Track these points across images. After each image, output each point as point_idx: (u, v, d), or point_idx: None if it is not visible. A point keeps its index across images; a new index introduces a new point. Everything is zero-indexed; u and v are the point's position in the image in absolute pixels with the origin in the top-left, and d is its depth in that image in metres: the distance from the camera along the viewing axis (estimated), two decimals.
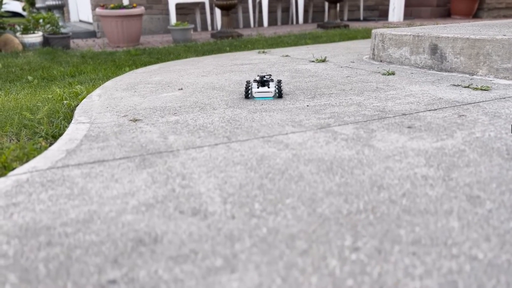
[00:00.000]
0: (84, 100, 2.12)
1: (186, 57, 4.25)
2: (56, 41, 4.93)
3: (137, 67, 3.56)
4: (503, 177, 1.01)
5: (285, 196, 0.95)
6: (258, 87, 1.94)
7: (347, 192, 0.96)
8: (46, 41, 4.97)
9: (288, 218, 0.85)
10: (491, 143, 1.24)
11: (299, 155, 1.21)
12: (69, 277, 0.68)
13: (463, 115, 1.55)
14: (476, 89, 1.99)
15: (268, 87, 1.94)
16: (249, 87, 1.95)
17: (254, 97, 1.95)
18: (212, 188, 1.00)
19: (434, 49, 2.55)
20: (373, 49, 3.11)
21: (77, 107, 1.96)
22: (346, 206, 0.89)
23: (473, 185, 0.97)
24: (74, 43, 5.76)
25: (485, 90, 1.97)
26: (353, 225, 0.81)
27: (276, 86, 1.94)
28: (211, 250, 0.75)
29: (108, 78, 2.96)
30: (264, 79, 1.99)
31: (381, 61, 3.01)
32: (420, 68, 2.64)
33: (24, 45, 4.79)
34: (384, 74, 2.50)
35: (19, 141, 1.55)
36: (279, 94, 1.94)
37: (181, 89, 2.32)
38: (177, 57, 4.28)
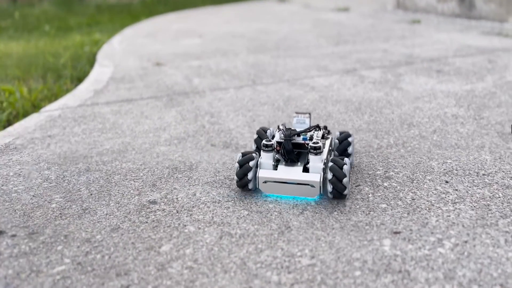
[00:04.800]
0: (105, 45, 2.11)
1: (203, 6, 4.16)
2: None
3: (153, 17, 3.51)
4: None
5: None
6: (275, 165, 0.69)
7: (376, 129, 0.96)
8: None
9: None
10: None
11: (326, 97, 1.20)
12: (111, 198, 0.71)
13: (493, 61, 1.51)
14: (507, 36, 1.92)
15: (306, 168, 0.68)
16: (252, 160, 0.69)
17: (263, 193, 0.70)
18: (241, 125, 1.01)
19: None
20: None
21: (99, 52, 1.96)
22: (377, 141, 0.89)
23: (504, 123, 0.96)
24: None
25: None
26: (385, 158, 0.82)
27: (328, 164, 0.66)
28: None
29: (125, 28, 2.93)
30: (302, 138, 0.70)
31: (406, 10, 2.90)
32: (447, 16, 2.54)
33: None
34: (409, 22, 2.42)
35: (45, 83, 1.57)
36: (337, 192, 0.65)
37: (201, 36, 2.29)
38: (194, 6, 4.20)
